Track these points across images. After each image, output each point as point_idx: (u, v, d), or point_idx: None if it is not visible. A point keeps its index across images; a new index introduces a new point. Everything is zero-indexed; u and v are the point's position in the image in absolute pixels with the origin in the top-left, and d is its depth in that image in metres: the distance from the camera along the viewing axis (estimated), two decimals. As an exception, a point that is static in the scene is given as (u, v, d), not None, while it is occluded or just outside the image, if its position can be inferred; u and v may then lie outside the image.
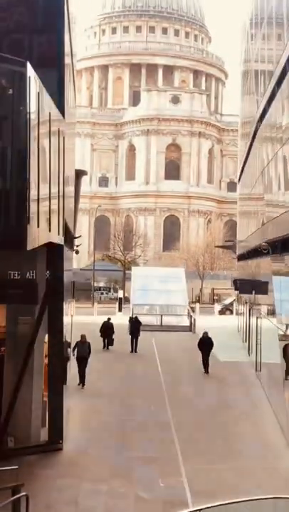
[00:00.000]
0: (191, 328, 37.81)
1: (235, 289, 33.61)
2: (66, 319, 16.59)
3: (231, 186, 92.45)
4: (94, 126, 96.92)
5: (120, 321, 44.68)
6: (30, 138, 8.42)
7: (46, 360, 14.58)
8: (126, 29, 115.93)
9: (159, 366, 25.62)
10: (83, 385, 20.28)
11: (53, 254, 13.21)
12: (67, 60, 14.98)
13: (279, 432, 15.71)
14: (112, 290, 66.11)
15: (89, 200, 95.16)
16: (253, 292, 26.62)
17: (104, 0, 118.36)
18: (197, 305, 49.89)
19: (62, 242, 14.07)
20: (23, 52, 13.45)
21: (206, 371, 23.58)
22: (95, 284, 64.43)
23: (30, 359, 13.43)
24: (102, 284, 66.22)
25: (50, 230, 11.49)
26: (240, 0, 37.46)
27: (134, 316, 30.09)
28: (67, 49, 14.74)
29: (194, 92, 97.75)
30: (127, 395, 20.06)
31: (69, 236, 18.97)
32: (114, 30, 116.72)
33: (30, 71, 8.94)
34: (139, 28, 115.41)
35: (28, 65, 8.91)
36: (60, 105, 12.86)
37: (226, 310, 51.96)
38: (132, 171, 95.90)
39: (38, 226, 9.55)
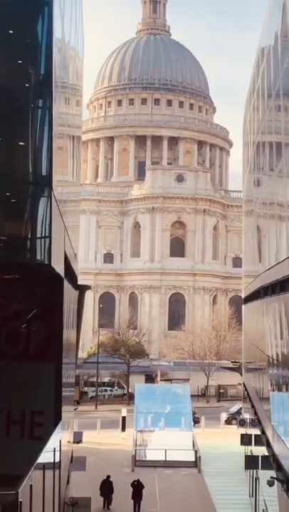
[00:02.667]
0: (196, 463, 36.83)
1: (242, 444, 32.85)
2: None
3: (236, 262, 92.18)
4: (99, 203, 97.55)
5: (123, 441, 43.85)
6: None
7: None
8: (131, 101, 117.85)
9: None
10: None
11: None
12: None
13: None
14: (116, 386, 65.18)
15: (94, 277, 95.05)
16: (260, 467, 25.91)
17: (110, 73, 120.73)
18: (203, 419, 48.82)
19: None
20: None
21: None
22: (99, 379, 63.49)
23: None
24: (106, 379, 65.29)
25: None
26: (246, 69, 37.55)
27: (136, 480, 29.19)
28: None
29: (198, 171, 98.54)
30: None
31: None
32: (119, 103, 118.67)
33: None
34: (144, 100, 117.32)
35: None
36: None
37: (233, 419, 50.91)
38: (137, 247, 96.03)
39: None
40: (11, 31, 9.39)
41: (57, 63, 11.02)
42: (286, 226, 18.24)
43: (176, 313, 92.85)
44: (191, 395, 65.22)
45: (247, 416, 43.07)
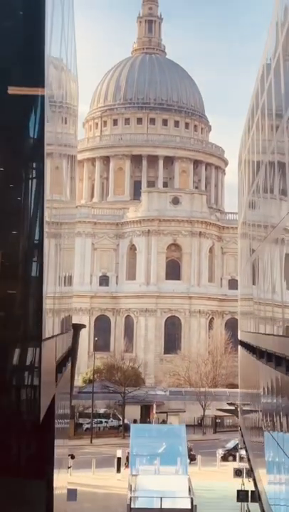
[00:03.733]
0: (192, 511, 36.28)
1: (238, 500, 32.45)
2: None
3: (232, 283, 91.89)
4: (95, 226, 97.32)
5: (118, 483, 43.33)
6: None
7: None
8: (127, 121, 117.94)
9: None
10: None
11: None
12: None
13: None
14: (111, 417, 64.60)
15: (89, 300, 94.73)
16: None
17: (105, 92, 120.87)
18: (199, 457, 48.32)
19: None
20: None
21: None
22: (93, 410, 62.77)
23: None
24: (101, 411, 64.68)
25: None
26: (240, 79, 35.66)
27: None
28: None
29: (194, 193, 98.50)
30: None
31: None
32: (115, 122, 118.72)
33: None
34: (139, 120, 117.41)
35: None
36: None
37: (229, 455, 50.45)
38: (132, 270, 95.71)
39: None
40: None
41: (50, 83, 10.67)
42: (280, 251, 17.72)
43: (171, 337, 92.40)
44: (187, 425, 64.90)
45: (243, 453, 42.67)
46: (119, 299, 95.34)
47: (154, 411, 61.95)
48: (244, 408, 38.01)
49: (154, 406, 61.81)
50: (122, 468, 45.05)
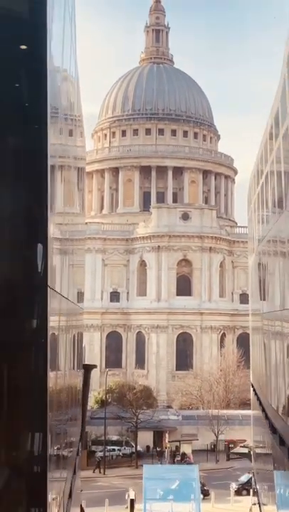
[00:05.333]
0: None
1: None
2: None
3: (243, 298, 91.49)
4: (105, 242, 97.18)
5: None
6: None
7: None
8: (136, 132, 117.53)
9: None
10: None
11: None
12: None
13: None
14: (124, 444, 64.53)
15: (100, 316, 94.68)
16: None
17: (114, 103, 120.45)
18: (212, 494, 48.10)
19: None
20: None
21: None
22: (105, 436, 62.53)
23: None
24: (114, 438, 64.57)
25: None
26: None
27: None
28: None
29: (204, 208, 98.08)
30: None
31: None
32: (124, 133, 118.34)
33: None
34: (148, 131, 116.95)
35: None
36: None
37: (243, 490, 50.27)
38: (143, 286, 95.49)
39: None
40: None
41: (53, 94, 10.34)
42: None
43: (183, 353, 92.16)
44: (199, 451, 64.96)
45: (258, 487, 42.47)
46: (130, 315, 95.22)
47: (167, 440, 61.84)
48: (257, 451, 37.83)
49: (167, 436, 61.64)
50: (136, 505, 45.01)
